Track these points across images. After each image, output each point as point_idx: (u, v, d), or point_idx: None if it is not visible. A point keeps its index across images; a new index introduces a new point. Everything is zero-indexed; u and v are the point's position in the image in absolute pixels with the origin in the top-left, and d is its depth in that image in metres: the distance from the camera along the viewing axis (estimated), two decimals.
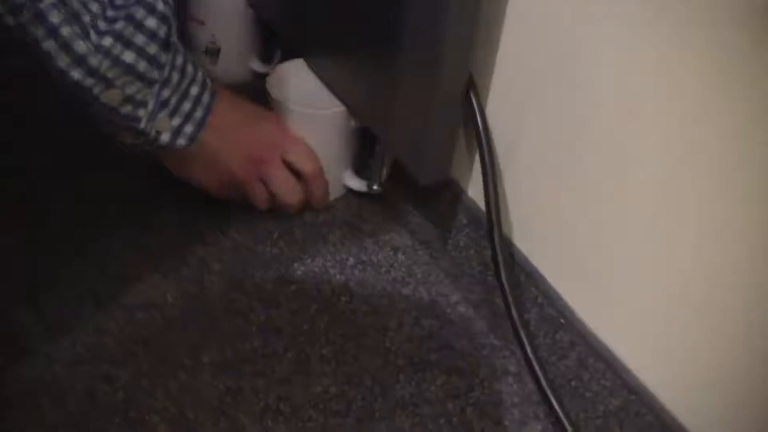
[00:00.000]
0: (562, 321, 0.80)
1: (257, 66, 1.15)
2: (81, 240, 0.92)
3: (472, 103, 0.81)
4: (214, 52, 1.13)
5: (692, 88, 0.63)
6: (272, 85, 0.96)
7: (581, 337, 0.79)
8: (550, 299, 0.81)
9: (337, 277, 0.92)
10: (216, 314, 0.87)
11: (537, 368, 0.81)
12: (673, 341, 0.71)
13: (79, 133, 0.95)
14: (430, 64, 0.78)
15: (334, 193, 1.00)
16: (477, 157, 0.85)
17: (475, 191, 0.89)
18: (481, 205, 0.85)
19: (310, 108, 0.94)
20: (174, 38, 0.85)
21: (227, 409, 0.80)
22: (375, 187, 0.98)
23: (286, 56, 1.02)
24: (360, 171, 1.01)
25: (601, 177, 0.73)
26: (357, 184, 1.00)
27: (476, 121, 0.81)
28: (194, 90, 0.87)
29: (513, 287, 0.82)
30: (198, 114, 0.88)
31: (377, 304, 0.90)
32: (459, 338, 0.88)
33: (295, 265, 0.93)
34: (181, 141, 0.88)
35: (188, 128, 0.88)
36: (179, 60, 0.85)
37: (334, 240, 0.96)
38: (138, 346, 0.84)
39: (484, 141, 0.81)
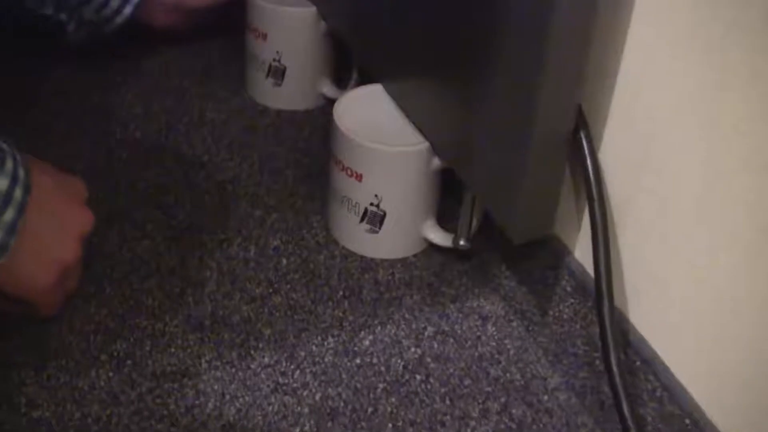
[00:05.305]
0: (687, 423, 0.66)
1: (329, 90, 1.03)
2: None
3: (581, 146, 0.68)
4: (278, 73, 1.01)
5: None
6: (340, 115, 0.84)
7: None
8: (672, 393, 0.68)
9: (412, 350, 0.80)
10: (260, 389, 0.75)
11: None
12: None
13: None
14: (527, 94, 0.66)
15: (412, 247, 0.88)
16: (586, 212, 0.73)
17: (582, 253, 0.77)
18: (590, 270, 0.74)
19: (384, 144, 0.82)
20: None
21: None
22: (462, 243, 0.84)
23: (364, 80, 0.90)
24: (444, 222, 0.88)
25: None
26: (440, 237, 0.86)
27: (586, 167, 0.68)
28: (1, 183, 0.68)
29: (625, 375, 0.69)
30: (8, 216, 0.68)
31: (458, 385, 0.77)
32: None
33: (362, 333, 0.80)
34: None
35: None
36: None
37: (410, 304, 0.83)
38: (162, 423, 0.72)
39: (594, 192, 0.68)
